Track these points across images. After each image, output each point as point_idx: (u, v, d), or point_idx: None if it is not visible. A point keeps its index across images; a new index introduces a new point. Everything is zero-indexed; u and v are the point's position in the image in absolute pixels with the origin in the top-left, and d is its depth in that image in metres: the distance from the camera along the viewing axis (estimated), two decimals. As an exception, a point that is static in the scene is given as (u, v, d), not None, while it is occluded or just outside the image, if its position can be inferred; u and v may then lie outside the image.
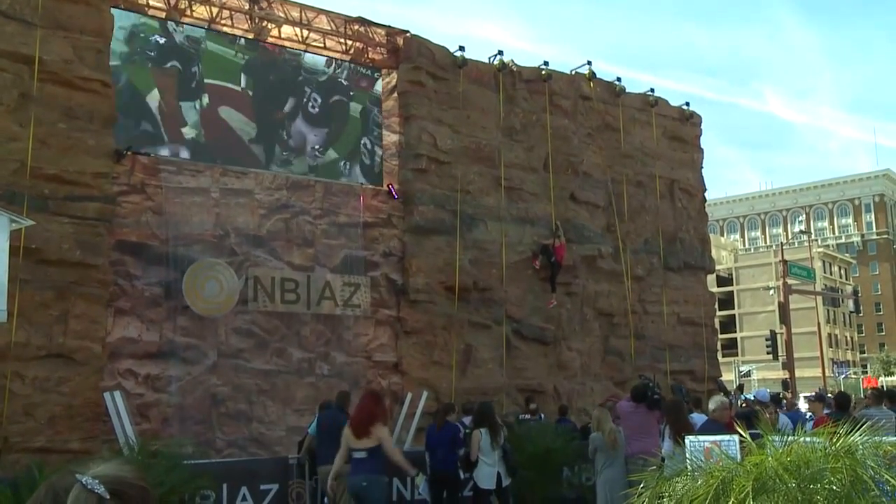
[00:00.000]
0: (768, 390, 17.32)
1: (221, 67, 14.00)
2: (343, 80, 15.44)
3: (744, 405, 16.28)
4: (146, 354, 12.13)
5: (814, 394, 17.16)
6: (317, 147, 14.95)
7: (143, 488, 1.65)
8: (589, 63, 18.75)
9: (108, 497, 1.57)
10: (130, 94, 13.01)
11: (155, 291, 12.33)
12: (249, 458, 11.97)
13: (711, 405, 7.95)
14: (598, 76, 18.89)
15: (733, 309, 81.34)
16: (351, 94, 15.52)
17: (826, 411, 11.64)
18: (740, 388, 26.21)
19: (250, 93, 14.31)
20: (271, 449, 12.57)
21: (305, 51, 15.18)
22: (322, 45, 15.55)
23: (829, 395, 17.80)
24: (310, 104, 14.96)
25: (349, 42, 15.78)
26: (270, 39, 14.95)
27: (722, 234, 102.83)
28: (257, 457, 12.06)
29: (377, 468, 7.93)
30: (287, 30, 15.13)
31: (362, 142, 15.51)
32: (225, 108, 13.99)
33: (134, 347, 12.04)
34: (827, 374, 45.73)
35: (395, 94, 15.79)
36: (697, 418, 9.87)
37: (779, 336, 36.99)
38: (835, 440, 4.12)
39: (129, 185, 12.45)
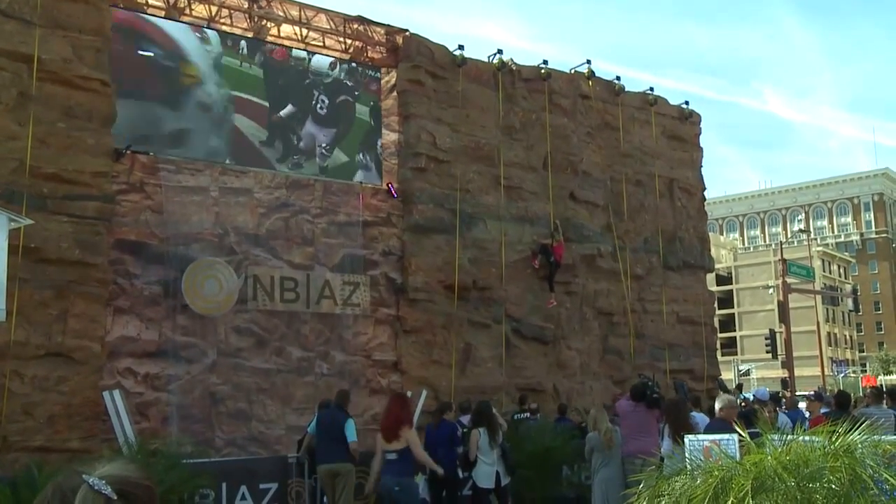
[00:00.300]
0: (767, 389, 17.32)
1: (232, 76, 14.11)
2: (347, 81, 15.41)
3: (743, 405, 16.27)
4: (145, 353, 12.10)
5: (812, 393, 17.14)
6: (324, 146, 14.94)
7: (149, 487, 1.66)
8: (588, 62, 18.75)
9: (115, 498, 1.57)
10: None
11: (154, 290, 12.30)
12: (249, 457, 11.97)
13: (718, 404, 7.93)
14: (597, 75, 18.88)
15: (733, 308, 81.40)
16: (356, 93, 15.50)
17: (824, 410, 11.63)
18: (739, 387, 26.20)
19: (259, 100, 14.37)
20: (271, 448, 12.56)
21: (305, 49, 15.16)
22: (321, 44, 15.53)
23: (829, 394, 17.78)
24: (318, 106, 14.98)
25: (348, 41, 15.76)
26: (270, 38, 14.94)
27: (721, 233, 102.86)
28: (257, 456, 12.06)
29: (407, 470, 8.55)
30: (286, 28, 15.11)
31: (378, 151, 15.61)
32: (238, 115, 14.10)
33: (133, 346, 12.02)
34: (826, 372, 45.76)
35: (395, 93, 15.76)
36: (699, 418, 9.87)
37: (778, 335, 37.02)
38: (834, 439, 4.11)
39: (128, 183, 12.43)
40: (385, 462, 8.49)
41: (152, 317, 12.22)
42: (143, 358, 12.07)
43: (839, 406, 10.02)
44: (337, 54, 15.64)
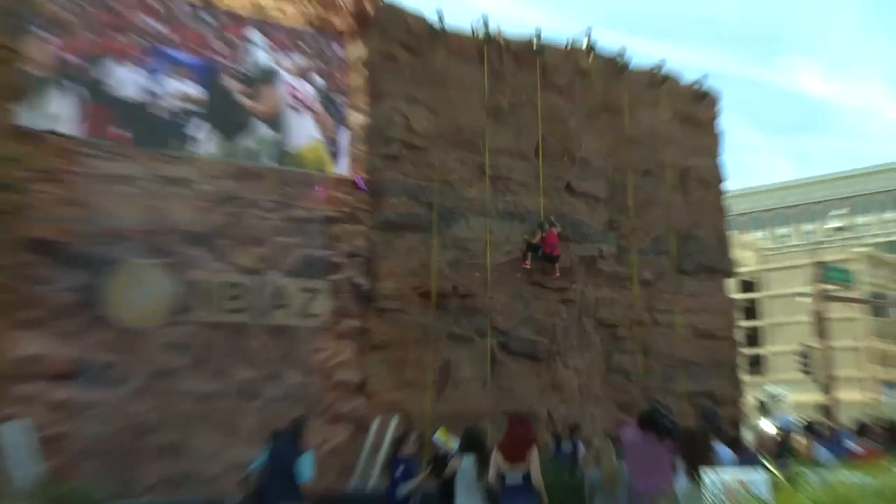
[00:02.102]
0: (793, 417, 17.14)
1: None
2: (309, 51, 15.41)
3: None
4: (56, 375, 11.89)
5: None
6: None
7: None
8: (588, 31, 18.95)
9: None
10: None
11: (69, 299, 12.15)
12: (180, 499, 11.91)
13: (755, 435, 7.72)
14: (598, 47, 19.10)
15: (759, 319, 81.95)
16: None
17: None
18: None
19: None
20: (208, 488, 12.36)
21: (261, 20, 14.99)
22: (279, 10, 15.32)
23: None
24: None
25: (309, 7, 15.59)
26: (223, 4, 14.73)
27: (745, 232, 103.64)
28: (190, 498, 11.95)
29: (534, 498, 8.62)
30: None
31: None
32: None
33: (41, 367, 11.80)
34: (874, 396, 45.86)
35: (363, 68, 15.72)
36: (721, 451, 9.54)
37: (814, 352, 37.01)
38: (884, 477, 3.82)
39: (39, 170, 12.22)
40: (507, 489, 8.65)
41: (66, 331, 12.06)
42: (52, 381, 11.85)
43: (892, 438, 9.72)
44: (298, 24, 15.48)
